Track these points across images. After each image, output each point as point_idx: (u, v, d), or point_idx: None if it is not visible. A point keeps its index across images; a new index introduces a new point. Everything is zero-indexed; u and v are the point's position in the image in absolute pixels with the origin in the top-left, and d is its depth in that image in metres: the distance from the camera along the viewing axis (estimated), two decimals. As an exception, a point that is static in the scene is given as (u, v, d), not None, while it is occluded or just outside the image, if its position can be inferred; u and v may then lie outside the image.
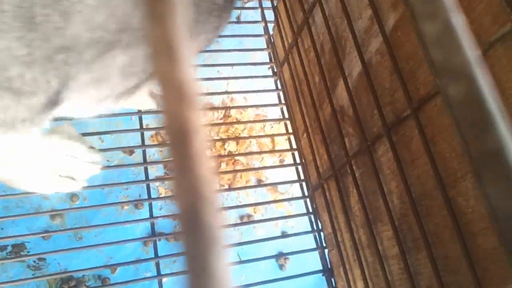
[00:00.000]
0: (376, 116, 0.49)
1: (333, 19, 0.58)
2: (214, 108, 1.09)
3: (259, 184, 1.07)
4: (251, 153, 1.00)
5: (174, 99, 0.07)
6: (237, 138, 1.07)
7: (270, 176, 1.11)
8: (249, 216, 1.06)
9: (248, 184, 1.08)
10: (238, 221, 1.05)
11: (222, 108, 1.05)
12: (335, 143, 0.60)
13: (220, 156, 1.09)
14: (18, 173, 0.52)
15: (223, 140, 1.07)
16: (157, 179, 0.99)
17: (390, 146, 0.46)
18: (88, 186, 0.58)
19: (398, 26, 0.45)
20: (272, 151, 1.01)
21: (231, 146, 1.10)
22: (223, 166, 1.08)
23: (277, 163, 1.11)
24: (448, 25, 0.09)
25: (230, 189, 1.03)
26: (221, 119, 1.13)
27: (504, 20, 0.33)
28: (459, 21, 0.09)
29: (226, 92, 1.05)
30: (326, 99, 0.60)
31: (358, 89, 0.54)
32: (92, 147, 0.59)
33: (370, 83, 0.49)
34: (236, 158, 1.10)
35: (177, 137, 0.07)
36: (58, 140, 0.55)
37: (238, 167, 1.10)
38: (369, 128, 0.52)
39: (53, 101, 0.39)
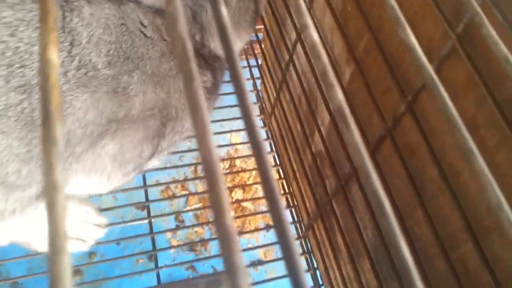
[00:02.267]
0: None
1: (305, 74, 0.65)
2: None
3: (267, 228, 1.12)
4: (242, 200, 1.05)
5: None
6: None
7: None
8: (260, 261, 1.10)
9: (257, 229, 1.13)
10: (249, 267, 1.09)
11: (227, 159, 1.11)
12: (318, 185, 0.65)
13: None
14: (32, 236, 0.58)
15: (230, 189, 1.13)
16: (162, 231, 1.04)
17: (358, 185, 0.51)
18: (100, 242, 0.64)
19: (353, 80, 0.51)
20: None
21: (238, 194, 1.15)
22: (232, 214, 1.14)
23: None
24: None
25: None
26: (227, 169, 1.20)
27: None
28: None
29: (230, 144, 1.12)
30: (307, 146, 0.65)
31: (331, 134, 0.59)
32: (100, 209, 0.65)
33: (338, 131, 0.55)
34: (244, 205, 1.16)
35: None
36: (69, 205, 0.62)
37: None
38: (342, 169, 0.57)
39: None
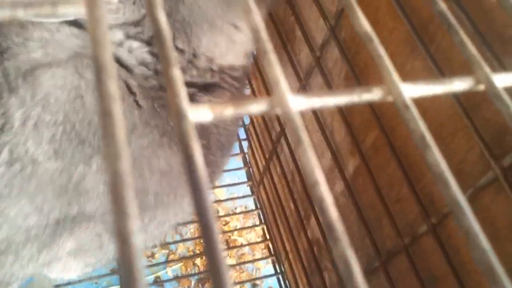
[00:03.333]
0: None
1: (300, 151, 0.58)
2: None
3: (253, 289, 1.04)
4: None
5: None
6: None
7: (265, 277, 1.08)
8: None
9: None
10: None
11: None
12: (315, 274, 0.58)
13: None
14: None
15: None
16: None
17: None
18: None
19: (358, 174, 0.45)
20: (256, 278, 0.96)
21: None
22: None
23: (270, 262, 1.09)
24: None
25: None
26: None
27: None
28: None
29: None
30: (302, 229, 0.59)
31: (330, 225, 0.53)
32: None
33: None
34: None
35: None
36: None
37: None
38: (345, 268, 0.50)
39: None
